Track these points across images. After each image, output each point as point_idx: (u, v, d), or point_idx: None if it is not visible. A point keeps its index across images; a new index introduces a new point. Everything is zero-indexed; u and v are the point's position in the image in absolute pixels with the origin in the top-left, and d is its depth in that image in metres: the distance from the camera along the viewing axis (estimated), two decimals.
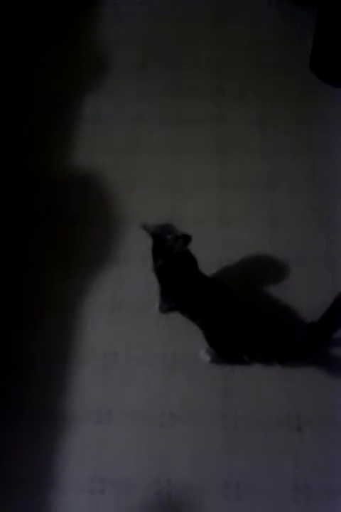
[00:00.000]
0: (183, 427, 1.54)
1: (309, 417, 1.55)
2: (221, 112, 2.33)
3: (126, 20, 2.72)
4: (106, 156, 2.17)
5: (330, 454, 1.50)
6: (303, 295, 1.75)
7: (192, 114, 2.32)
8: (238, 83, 2.43)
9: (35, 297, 1.80)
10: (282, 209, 2.01)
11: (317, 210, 2.00)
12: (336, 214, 1.99)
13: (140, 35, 2.66)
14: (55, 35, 2.66)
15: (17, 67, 2.53)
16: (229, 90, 2.41)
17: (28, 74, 2.51)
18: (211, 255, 1.82)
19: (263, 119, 2.30)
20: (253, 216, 1.99)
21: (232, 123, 2.29)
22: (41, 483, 1.47)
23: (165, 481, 1.46)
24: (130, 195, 2.05)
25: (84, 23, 2.71)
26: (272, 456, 1.50)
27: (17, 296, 1.82)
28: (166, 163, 2.16)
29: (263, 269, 1.86)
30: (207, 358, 1.63)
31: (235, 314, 1.54)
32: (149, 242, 1.54)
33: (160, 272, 1.58)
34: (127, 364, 1.66)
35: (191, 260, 1.58)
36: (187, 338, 1.68)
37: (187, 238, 1.50)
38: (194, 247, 1.55)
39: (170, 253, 1.50)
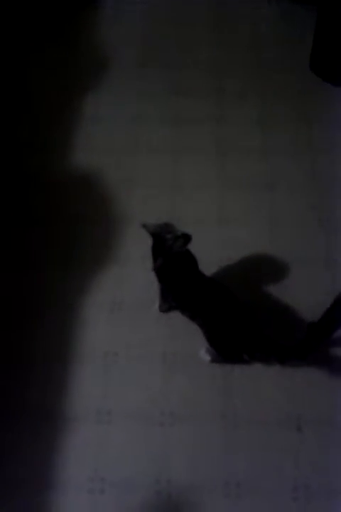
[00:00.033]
0: (183, 427, 1.54)
1: (309, 416, 1.55)
2: (221, 112, 2.33)
3: (126, 20, 2.72)
4: (106, 156, 2.17)
5: (330, 454, 1.50)
6: (303, 294, 1.75)
7: (192, 114, 2.33)
8: (238, 83, 2.43)
9: (35, 297, 1.80)
10: (282, 208, 2.01)
11: (317, 210, 2.00)
12: (336, 213, 1.98)
13: (140, 34, 2.66)
14: (55, 35, 2.66)
15: (17, 67, 2.53)
16: (229, 90, 2.41)
17: (28, 74, 2.51)
18: (211, 255, 1.82)
19: (263, 119, 2.30)
20: (253, 216, 1.99)
21: (232, 123, 2.29)
22: (41, 483, 1.47)
23: (165, 480, 1.46)
24: (130, 195, 2.05)
25: (84, 23, 2.71)
26: (272, 456, 1.50)
27: (17, 296, 1.82)
28: (166, 162, 2.16)
29: (263, 269, 1.86)
30: (207, 357, 1.63)
31: (235, 314, 1.54)
32: (149, 241, 1.55)
33: (159, 271, 1.58)
34: (127, 364, 1.66)
35: (191, 260, 1.59)
36: (187, 337, 1.68)
37: (187, 238, 1.50)
38: (194, 247, 1.55)
39: (170, 252, 1.50)
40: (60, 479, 1.47)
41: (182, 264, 1.56)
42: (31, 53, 2.58)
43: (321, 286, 1.76)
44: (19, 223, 2.00)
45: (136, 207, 2.01)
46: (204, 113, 2.32)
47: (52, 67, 2.52)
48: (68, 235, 1.95)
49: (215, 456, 1.50)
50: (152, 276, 1.61)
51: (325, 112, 2.30)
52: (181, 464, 1.49)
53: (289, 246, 1.89)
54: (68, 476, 1.48)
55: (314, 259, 1.86)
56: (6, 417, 1.57)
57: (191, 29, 2.68)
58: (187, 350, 1.67)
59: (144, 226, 1.53)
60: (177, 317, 1.68)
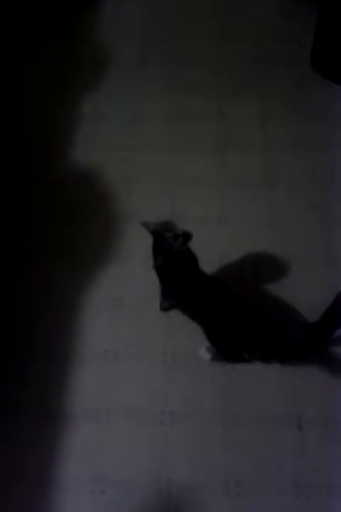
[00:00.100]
0: (183, 426, 1.55)
1: (309, 415, 1.55)
2: (221, 109, 2.32)
3: (126, 17, 2.70)
4: (106, 154, 2.16)
5: (330, 452, 1.50)
6: (303, 293, 1.75)
7: (192, 111, 2.32)
8: (239, 80, 2.42)
9: (35, 297, 1.80)
10: (282, 206, 2.00)
11: (317, 208, 1.99)
12: (336, 211, 1.98)
13: (140, 32, 2.64)
14: (54, 33, 2.65)
15: (17, 65, 2.52)
16: (229, 87, 2.40)
17: (28, 72, 2.50)
18: (211, 253, 1.82)
19: (264, 116, 2.29)
20: (253, 214, 1.99)
21: (233, 120, 2.28)
22: (42, 482, 1.47)
23: (165, 479, 1.47)
24: (130, 193, 2.05)
25: (84, 21, 2.70)
26: (272, 454, 1.50)
27: (17, 296, 1.81)
28: (167, 160, 2.15)
29: (263, 267, 1.86)
30: (208, 356, 1.63)
31: (235, 312, 1.54)
32: (149, 240, 1.54)
33: (160, 269, 1.58)
34: (127, 363, 1.66)
35: (192, 258, 1.58)
36: (187, 336, 1.68)
37: (187, 236, 1.49)
38: (194, 245, 1.54)
39: (170, 251, 1.50)
40: (61, 478, 1.48)
41: (182, 262, 1.55)
42: (31, 52, 2.57)
43: (321, 285, 1.76)
44: (19, 223, 1.99)
45: (136, 205, 2.00)
46: (204, 110, 2.32)
47: (52, 65, 2.51)
48: (68, 233, 1.95)
49: (215, 454, 1.50)
50: (152, 275, 1.61)
51: (326, 109, 2.29)
52: (181, 462, 1.50)
53: (289, 244, 1.89)
54: (69, 476, 1.48)
55: (314, 257, 1.86)
56: (6, 416, 1.57)
57: (191, 26, 2.66)
58: (187, 349, 1.67)
59: (144, 224, 1.52)
60: (177, 316, 1.67)
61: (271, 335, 1.53)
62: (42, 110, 2.34)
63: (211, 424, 1.55)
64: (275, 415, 1.55)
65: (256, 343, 1.53)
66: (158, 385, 1.62)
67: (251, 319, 1.54)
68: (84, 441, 1.53)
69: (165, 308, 1.72)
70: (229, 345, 1.59)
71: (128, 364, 1.66)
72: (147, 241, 1.54)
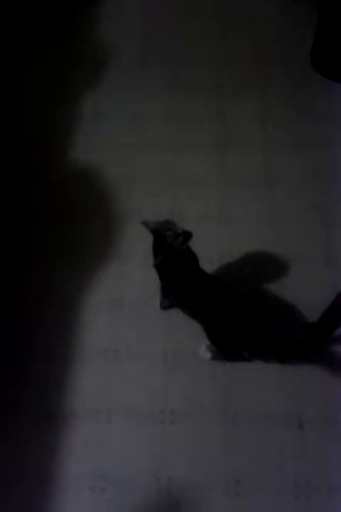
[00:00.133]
0: (183, 424, 1.55)
1: (309, 414, 1.55)
2: (221, 108, 2.32)
3: (126, 16, 2.70)
4: (106, 153, 2.16)
5: (331, 451, 1.50)
6: (303, 292, 1.74)
7: (192, 111, 2.32)
8: (239, 79, 2.42)
9: (35, 297, 1.80)
10: (282, 205, 2.00)
11: (317, 207, 1.99)
12: (337, 211, 1.98)
13: (140, 31, 2.64)
14: (54, 32, 2.65)
15: (16, 64, 2.52)
16: (229, 86, 2.40)
17: (28, 71, 2.50)
18: (211, 252, 1.82)
19: (264, 115, 2.29)
20: (253, 213, 1.99)
21: (233, 119, 2.28)
22: (42, 481, 1.47)
23: (165, 478, 1.47)
24: (130, 192, 2.05)
25: (84, 20, 2.70)
26: (272, 454, 1.50)
27: (17, 296, 1.81)
28: (167, 159, 2.15)
29: (263, 266, 1.86)
30: (208, 354, 1.63)
31: (236, 311, 1.54)
32: (150, 239, 1.54)
33: (160, 268, 1.58)
34: (127, 361, 1.66)
35: (192, 257, 1.58)
36: (187, 335, 1.68)
37: (187, 235, 1.49)
38: (194, 244, 1.54)
39: (171, 249, 1.49)
40: (61, 478, 1.48)
41: (182, 261, 1.55)
42: (31, 51, 2.57)
43: (321, 284, 1.75)
44: (19, 223, 1.99)
45: (136, 204, 2.00)
46: (204, 109, 2.32)
47: (52, 65, 2.51)
48: (68, 233, 1.95)
49: (215, 453, 1.50)
50: (153, 274, 1.61)
51: (326, 108, 2.29)
52: (181, 461, 1.50)
53: (289, 243, 1.89)
54: (69, 475, 1.48)
55: (314, 257, 1.85)
56: (6, 416, 1.57)
57: (191, 25, 2.66)
58: (187, 348, 1.67)
59: (144, 223, 1.52)
60: (177, 315, 1.68)
61: (271, 334, 1.53)
62: (42, 110, 2.34)
63: (211, 423, 1.55)
64: (276, 414, 1.55)
65: (256, 342, 1.53)
66: (158, 384, 1.62)
67: (252, 318, 1.54)
68: (84, 440, 1.53)
69: (165, 306, 1.73)
70: (229, 344, 1.59)
71: (128, 363, 1.66)
72: (147, 240, 1.54)
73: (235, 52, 2.53)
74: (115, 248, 1.91)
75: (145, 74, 2.47)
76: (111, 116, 2.30)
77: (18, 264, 1.88)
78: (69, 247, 1.91)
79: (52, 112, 2.33)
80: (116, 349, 1.69)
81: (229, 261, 1.84)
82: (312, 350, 1.50)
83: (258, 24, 2.65)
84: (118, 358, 1.67)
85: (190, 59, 2.51)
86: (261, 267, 1.85)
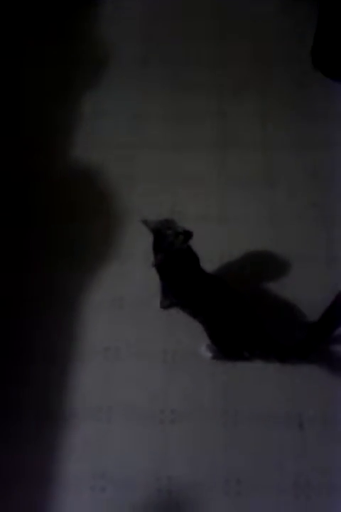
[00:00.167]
0: (184, 424, 1.54)
1: (310, 414, 1.55)
2: (222, 108, 2.32)
3: (126, 16, 2.71)
4: (106, 153, 2.16)
5: (331, 451, 1.50)
6: (304, 292, 1.74)
7: (192, 110, 2.32)
8: (239, 78, 2.43)
9: (35, 297, 1.80)
10: (283, 205, 2.00)
11: (318, 207, 1.99)
12: (337, 210, 1.98)
13: (140, 31, 2.65)
14: (54, 31, 2.65)
15: (17, 66, 2.52)
16: (230, 86, 2.40)
17: (28, 73, 2.50)
18: (212, 251, 1.82)
19: (264, 115, 2.29)
20: (253, 212, 1.99)
21: (233, 118, 2.29)
22: (42, 481, 1.47)
23: (165, 477, 1.47)
24: (131, 191, 2.05)
25: (84, 19, 2.70)
26: (273, 453, 1.50)
27: (17, 296, 1.81)
28: (167, 159, 2.15)
29: (263, 266, 1.86)
30: (208, 354, 1.63)
31: (236, 310, 1.54)
32: (150, 238, 1.54)
33: (160, 267, 1.58)
34: (127, 361, 1.66)
35: (192, 256, 1.58)
36: (187, 334, 1.68)
37: (188, 234, 1.49)
38: (195, 243, 1.54)
39: (171, 248, 1.49)
40: (61, 477, 1.47)
41: (183, 260, 1.55)
42: (31, 51, 2.57)
43: (322, 284, 1.75)
44: (19, 223, 1.99)
45: (136, 203, 2.00)
46: (204, 109, 2.32)
47: (52, 65, 2.52)
48: (68, 233, 1.95)
49: (216, 453, 1.50)
50: (153, 273, 1.60)
51: (326, 108, 2.29)
52: (181, 460, 1.49)
53: (290, 243, 1.89)
54: (69, 474, 1.48)
55: (315, 256, 1.85)
56: (6, 416, 1.57)
57: (191, 25, 2.67)
58: (187, 347, 1.67)
59: (145, 222, 1.52)
60: (177, 314, 1.68)
61: (271, 334, 1.53)
62: (42, 110, 2.34)
63: (211, 422, 1.54)
64: (276, 414, 1.55)
65: (257, 342, 1.53)
66: (158, 383, 1.62)
67: (252, 318, 1.54)
68: (84, 439, 1.53)
69: (165, 306, 1.73)
70: (230, 344, 1.58)
71: (128, 363, 1.66)
72: (147, 239, 1.54)
73: (235, 52, 2.54)
74: (115, 247, 1.91)
75: (145, 74, 2.47)
76: (111, 115, 2.30)
77: (18, 264, 1.88)
78: (70, 246, 1.91)
79: (52, 111, 2.33)
80: (116, 348, 1.68)
81: (230, 260, 1.84)
82: (312, 350, 1.50)
83: (258, 24, 2.66)
84: (118, 357, 1.67)
85: (190, 59, 2.52)
86: (261, 266, 1.85)
